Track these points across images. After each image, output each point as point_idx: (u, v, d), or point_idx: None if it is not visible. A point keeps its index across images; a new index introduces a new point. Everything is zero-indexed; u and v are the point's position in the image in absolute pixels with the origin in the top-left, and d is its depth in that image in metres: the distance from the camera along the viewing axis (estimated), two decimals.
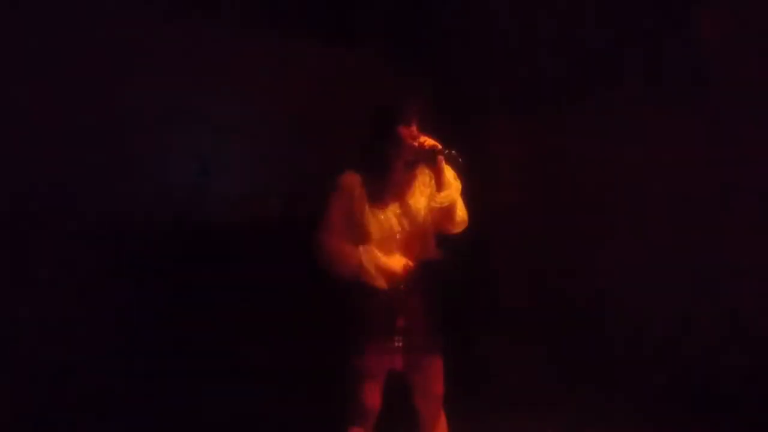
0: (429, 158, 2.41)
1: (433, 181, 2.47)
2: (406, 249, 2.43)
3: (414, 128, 2.41)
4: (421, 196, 2.48)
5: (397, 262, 2.39)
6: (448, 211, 2.43)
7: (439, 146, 2.38)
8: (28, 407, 3.10)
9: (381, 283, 2.35)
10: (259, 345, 3.52)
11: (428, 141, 2.40)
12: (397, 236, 2.42)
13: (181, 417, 3.29)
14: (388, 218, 2.42)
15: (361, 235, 2.40)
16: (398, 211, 2.45)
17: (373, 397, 2.46)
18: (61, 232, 3.24)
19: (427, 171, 2.49)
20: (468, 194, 2.51)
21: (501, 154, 4.39)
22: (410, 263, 2.39)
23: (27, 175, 3.20)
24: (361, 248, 2.38)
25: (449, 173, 2.44)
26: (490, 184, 2.64)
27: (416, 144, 2.39)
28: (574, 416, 3.53)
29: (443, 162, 2.40)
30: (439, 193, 2.42)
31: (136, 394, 3.29)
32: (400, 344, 2.42)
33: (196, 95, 3.49)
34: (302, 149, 3.74)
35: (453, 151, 2.38)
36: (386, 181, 2.45)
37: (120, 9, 3.36)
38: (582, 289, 4.22)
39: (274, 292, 3.53)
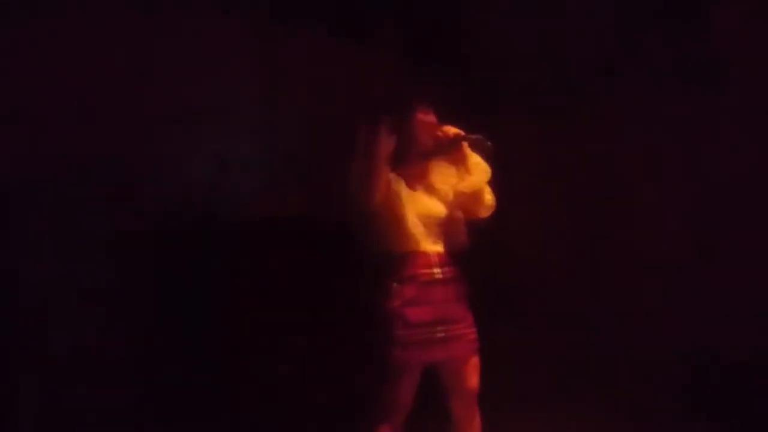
0: (453, 146, 2.43)
1: (458, 167, 2.48)
2: (436, 234, 2.43)
3: (431, 115, 2.44)
4: (447, 182, 2.49)
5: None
6: (475, 196, 2.46)
7: (462, 133, 2.41)
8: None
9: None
10: (287, 340, 3.52)
11: (451, 129, 2.42)
12: (426, 221, 2.41)
13: (207, 410, 3.29)
14: (416, 204, 2.41)
15: (391, 221, 2.38)
16: (426, 197, 2.45)
17: (407, 392, 2.39)
18: (83, 227, 3.24)
19: (453, 156, 2.49)
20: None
21: (516, 152, 4.39)
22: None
23: (46, 171, 3.19)
24: None
25: (475, 158, 2.46)
26: (505, 182, 2.67)
27: (439, 134, 2.42)
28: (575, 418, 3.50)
29: (468, 148, 2.43)
30: (465, 178, 2.45)
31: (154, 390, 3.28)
32: (436, 336, 2.36)
33: (214, 94, 3.51)
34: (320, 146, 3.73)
35: (480, 137, 2.40)
36: (409, 167, 2.44)
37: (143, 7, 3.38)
38: (588, 291, 4.23)
39: (305, 285, 3.53)
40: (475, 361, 2.46)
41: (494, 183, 2.51)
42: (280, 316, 3.50)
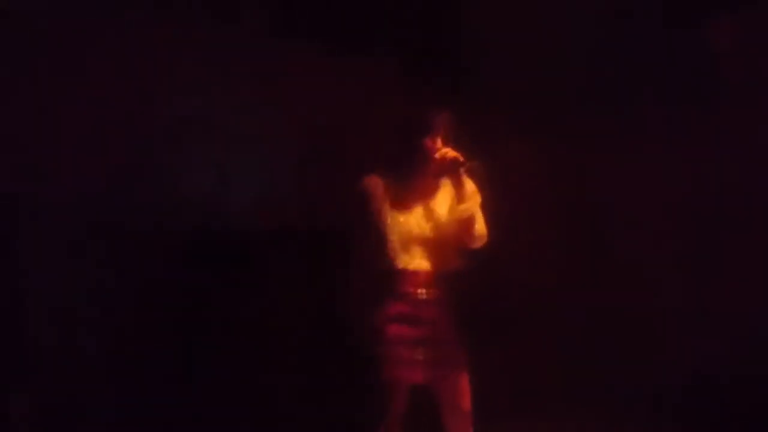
0: (451, 170, 2.42)
1: (454, 191, 2.48)
2: (427, 254, 2.44)
3: (439, 140, 2.44)
4: (444, 204, 2.50)
5: None
6: (466, 224, 2.43)
7: (461, 159, 2.40)
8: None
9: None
10: (278, 351, 3.54)
11: (450, 153, 2.41)
12: (417, 240, 2.42)
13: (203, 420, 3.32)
14: (408, 222, 2.43)
15: (382, 236, 2.42)
16: (420, 216, 2.46)
17: (396, 404, 2.40)
18: (81, 238, 3.27)
19: (450, 180, 2.49)
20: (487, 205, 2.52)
21: (516, 165, 4.39)
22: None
23: (45, 183, 3.24)
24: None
25: (470, 186, 2.45)
26: (502, 195, 2.69)
27: (438, 156, 2.41)
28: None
29: (464, 174, 2.43)
30: (458, 205, 2.43)
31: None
32: (421, 357, 2.38)
33: (216, 105, 3.54)
34: (321, 159, 3.76)
35: (475, 163, 2.41)
36: (409, 187, 2.47)
37: (140, 19, 3.40)
38: (591, 295, 4.21)
39: (293, 298, 3.54)
40: (465, 382, 2.46)
41: (489, 211, 2.51)
42: (276, 327, 3.54)
